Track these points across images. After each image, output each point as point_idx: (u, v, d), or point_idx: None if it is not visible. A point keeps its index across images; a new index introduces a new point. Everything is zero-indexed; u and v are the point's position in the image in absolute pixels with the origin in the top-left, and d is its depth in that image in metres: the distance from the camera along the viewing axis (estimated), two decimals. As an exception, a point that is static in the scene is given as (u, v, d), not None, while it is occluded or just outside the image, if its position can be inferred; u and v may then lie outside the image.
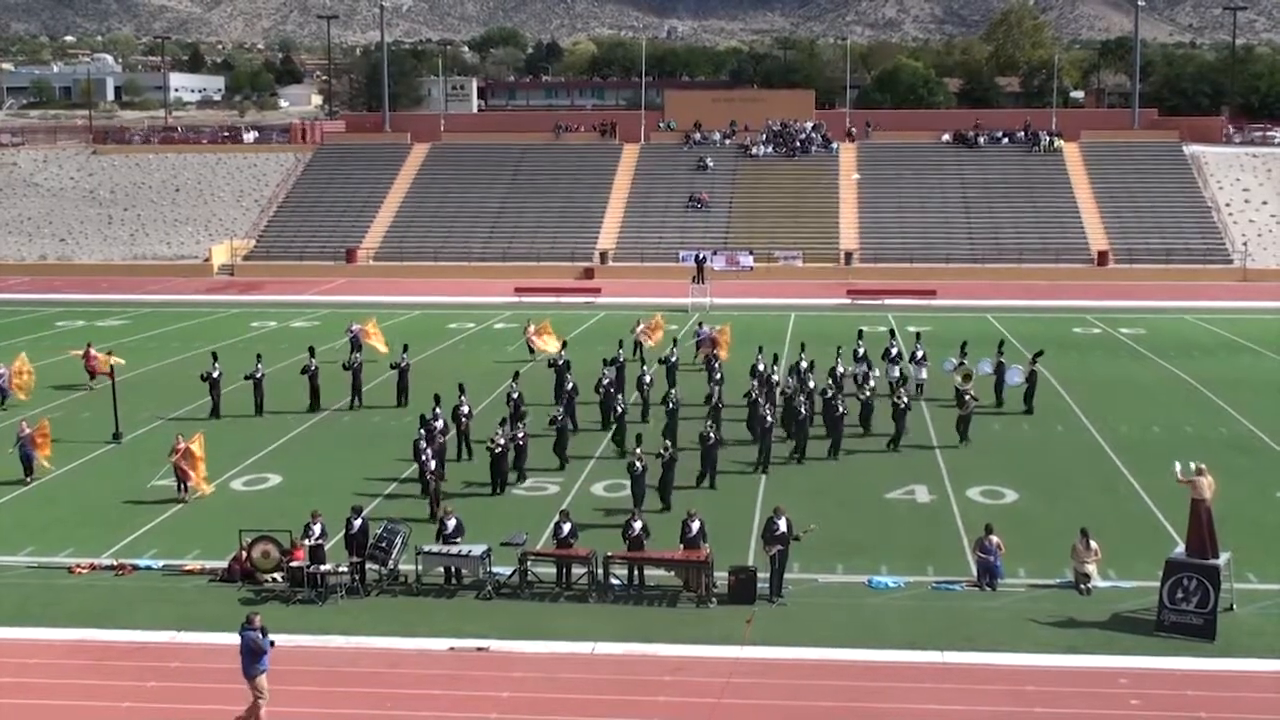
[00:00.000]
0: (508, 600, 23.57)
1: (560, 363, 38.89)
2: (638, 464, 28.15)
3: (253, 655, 18.69)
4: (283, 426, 37.20)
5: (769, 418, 32.65)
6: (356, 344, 44.53)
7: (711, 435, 30.45)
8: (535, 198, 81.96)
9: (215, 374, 38.68)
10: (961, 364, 38.71)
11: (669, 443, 29.36)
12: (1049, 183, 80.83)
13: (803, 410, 33.93)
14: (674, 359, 40.71)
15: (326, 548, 24.42)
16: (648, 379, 38.00)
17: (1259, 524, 27.51)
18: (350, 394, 39.55)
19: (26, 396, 40.52)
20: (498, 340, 44.31)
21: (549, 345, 44.54)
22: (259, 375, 39.25)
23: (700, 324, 47.40)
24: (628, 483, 28.82)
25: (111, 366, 38.23)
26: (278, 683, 19.16)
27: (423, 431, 30.00)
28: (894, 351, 41.54)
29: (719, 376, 37.38)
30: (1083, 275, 71.76)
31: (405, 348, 42.05)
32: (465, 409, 33.62)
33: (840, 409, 33.35)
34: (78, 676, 20.56)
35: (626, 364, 40.17)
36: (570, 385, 36.15)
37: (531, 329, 46.70)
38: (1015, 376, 38.66)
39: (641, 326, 46.70)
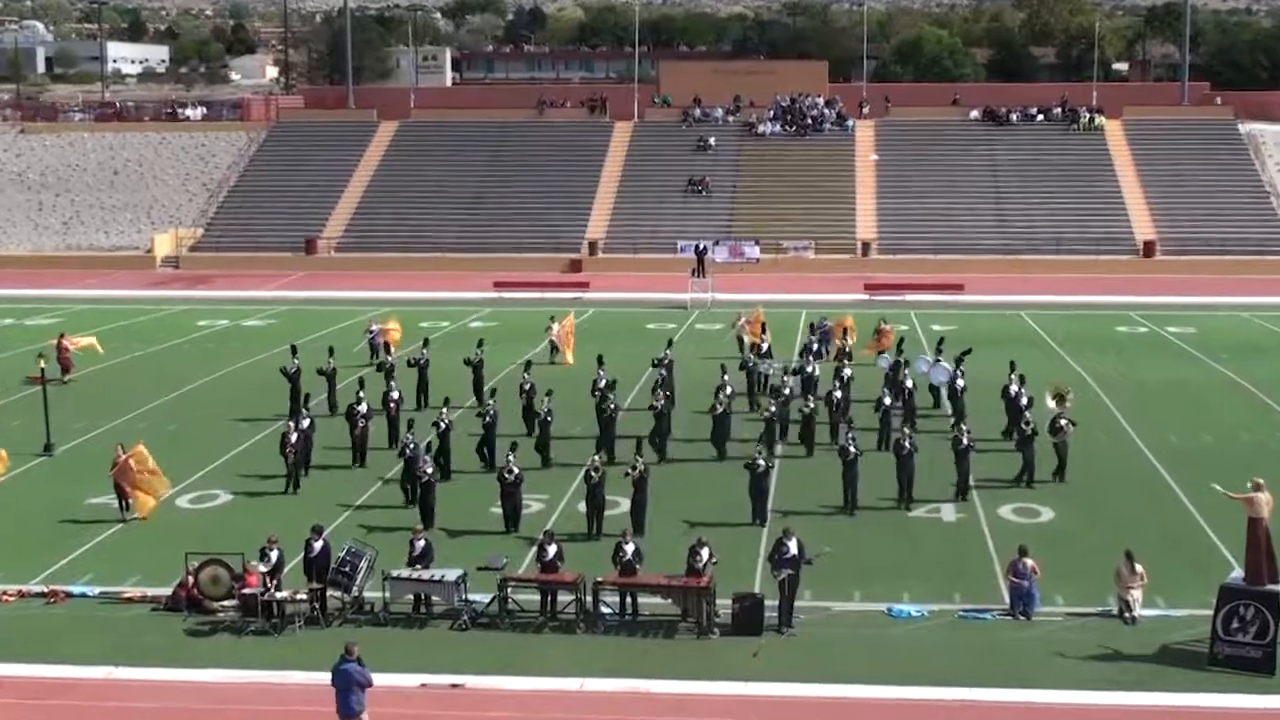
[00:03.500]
0: (485, 631, 23.52)
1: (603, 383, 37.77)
2: (593, 474, 28.38)
3: (355, 691, 18.78)
4: (235, 437, 37.11)
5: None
6: (382, 347, 44.79)
7: (760, 461, 29.54)
8: (516, 182, 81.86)
9: (293, 369, 39.21)
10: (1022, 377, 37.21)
11: (640, 457, 29.19)
12: (1089, 165, 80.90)
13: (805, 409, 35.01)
14: (667, 359, 40.60)
15: (284, 572, 24.36)
16: (782, 373, 39.03)
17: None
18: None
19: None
20: (472, 340, 44.27)
21: (569, 357, 45.80)
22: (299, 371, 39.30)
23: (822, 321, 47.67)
24: (624, 500, 28.90)
25: (43, 370, 38.16)
26: (228, 724, 19.14)
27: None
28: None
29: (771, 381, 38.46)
30: (1127, 268, 71.84)
31: (425, 342, 42.63)
32: (396, 394, 34.95)
33: (907, 446, 30.75)
34: (2, 717, 20.48)
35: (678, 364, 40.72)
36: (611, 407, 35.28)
37: (555, 328, 47.39)
38: (940, 375, 38.74)
39: (742, 320, 46.95)
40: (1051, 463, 32.35)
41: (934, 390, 38.68)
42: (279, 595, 23.66)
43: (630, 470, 28.75)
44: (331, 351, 41.09)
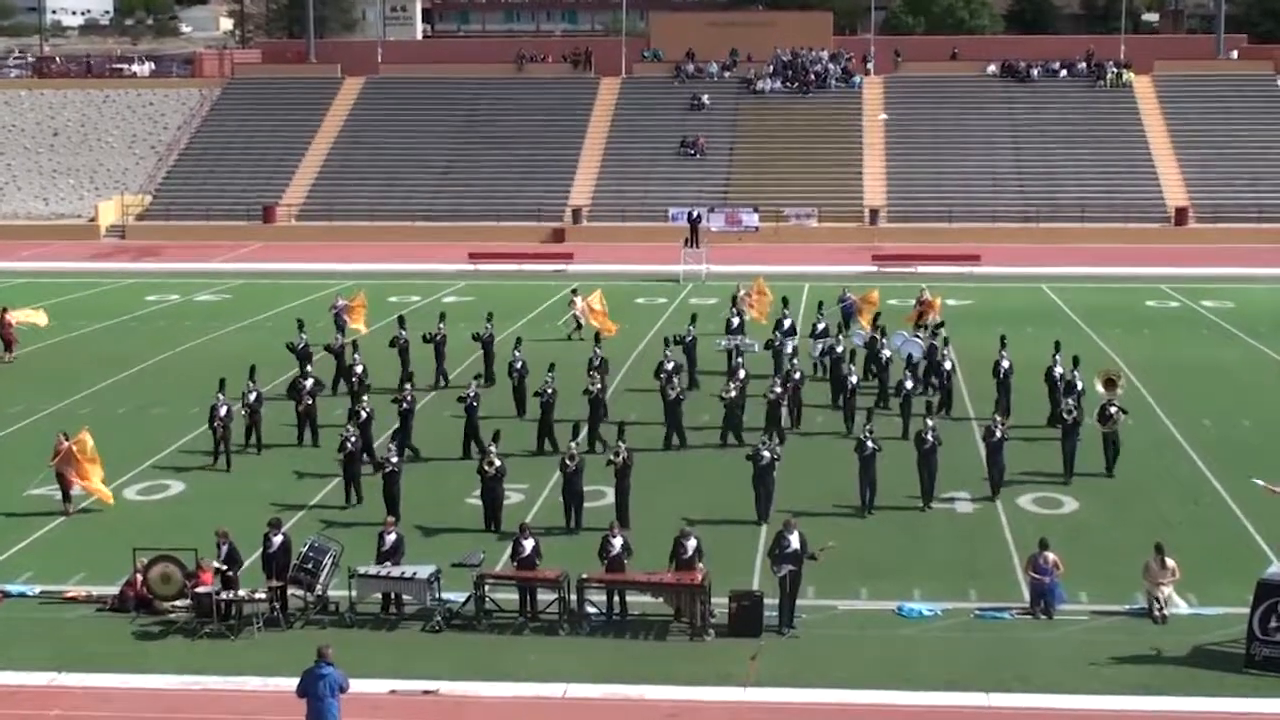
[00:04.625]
0: (461, 633, 23.54)
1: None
2: (568, 462, 28.34)
3: (334, 698, 18.78)
4: (188, 422, 37.03)
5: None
6: (341, 324, 44.85)
7: (765, 452, 29.06)
8: (493, 144, 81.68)
9: (301, 344, 39.69)
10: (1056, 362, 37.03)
11: (622, 444, 29.14)
12: (1116, 124, 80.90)
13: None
14: (690, 337, 40.71)
15: (238, 571, 24.32)
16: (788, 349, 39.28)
17: (1370, 537, 27.65)
18: (336, 381, 39.56)
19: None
20: (451, 314, 44.20)
21: (604, 324, 45.74)
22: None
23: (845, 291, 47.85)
24: (609, 490, 28.98)
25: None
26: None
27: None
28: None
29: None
30: (1157, 236, 71.85)
31: (490, 315, 42.82)
32: (309, 383, 35.20)
33: (930, 439, 29.94)
34: (-64, 728, 20.50)
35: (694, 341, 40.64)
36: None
37: (579, 303, 47.67)
38: (913, 348, 38.83)
39: (743, 293, 47.13)
40: (1091, 456, 31.95)
41: (911, 368, 38.39)
42: (232, 595, 23.60)
43: (613, 458, 28.75)
44: (301, 325, 41.38)
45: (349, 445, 30.14)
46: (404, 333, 40.92)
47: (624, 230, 73.59)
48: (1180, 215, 73.53)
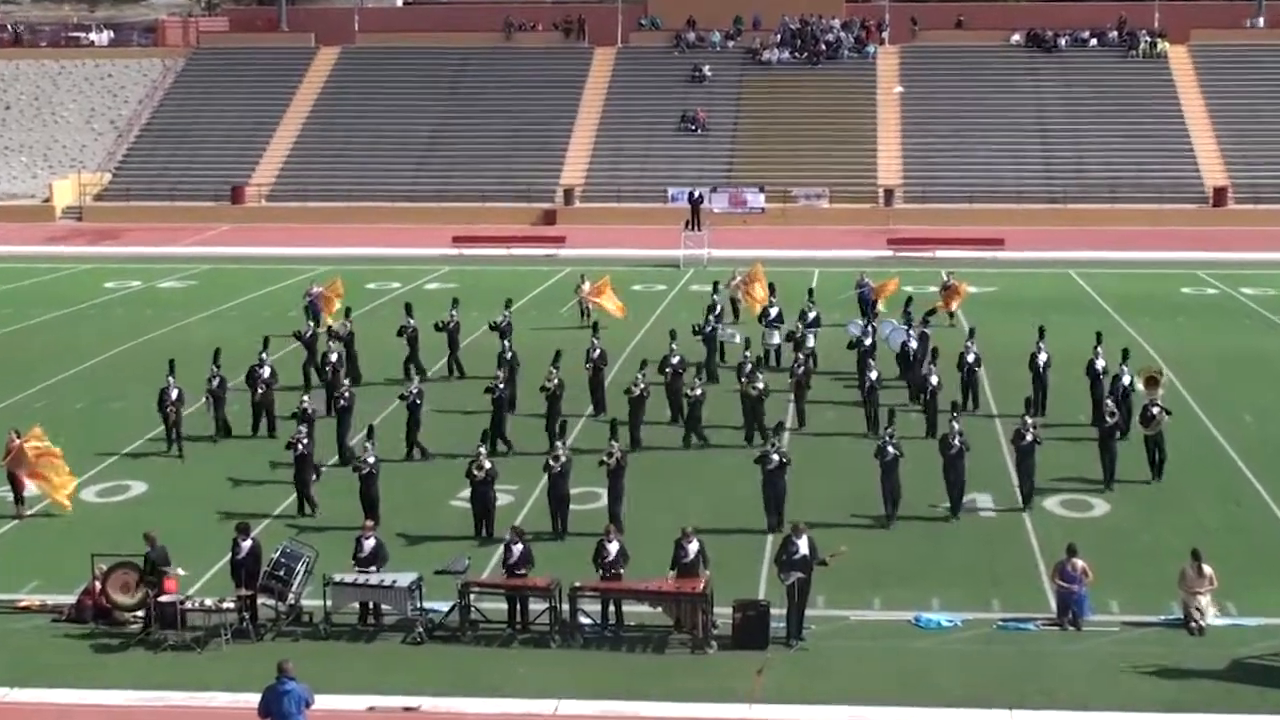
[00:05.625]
0: (444, 645, 23.55)
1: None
2: (552, 463, 28.37)
3: (299, 713, 18.78)
4: (150, 419, 36.99)
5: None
6: (316, 312, 44.93)
7: (774, 455, 28.76)
8: (479, 118, 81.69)
9: (308, 333, 40.40)
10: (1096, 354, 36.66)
11: (614, 443, 29.07)
12: (1150, 98, 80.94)
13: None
14: (711, 328, 40.87)
15: (167, 578, 24.21)
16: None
17: None
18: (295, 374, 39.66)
19: None
20: (431, 304, 44.18)
21: (609, 305, 46.40)
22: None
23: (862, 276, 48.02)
24: (602, 491, 29.05)
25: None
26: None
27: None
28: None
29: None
30: (1194, 218, 71.86)
31: (455, 301, 42.82)
32: (266, 371, 35.46)
33: (956, 444, 29.41)
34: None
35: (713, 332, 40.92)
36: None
37: (587, 287, 48.05)
38: (898, 336, 38.81)
39: (737, 279, 47.10)
40: (1133, 460, 31.77)
41: (905, 359, 38.35)
42: (205, 603, 23.61)
43: (605, 458, 28.75)
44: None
45: (299, 447, 29.83)
46: (412, 321, 40.86)
47: (620, 212, 73.63)
48: (1219, 195, 73.54)
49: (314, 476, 30.01)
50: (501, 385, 34.26)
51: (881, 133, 79.37)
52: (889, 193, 74.55)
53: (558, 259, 62.79)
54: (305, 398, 33.28)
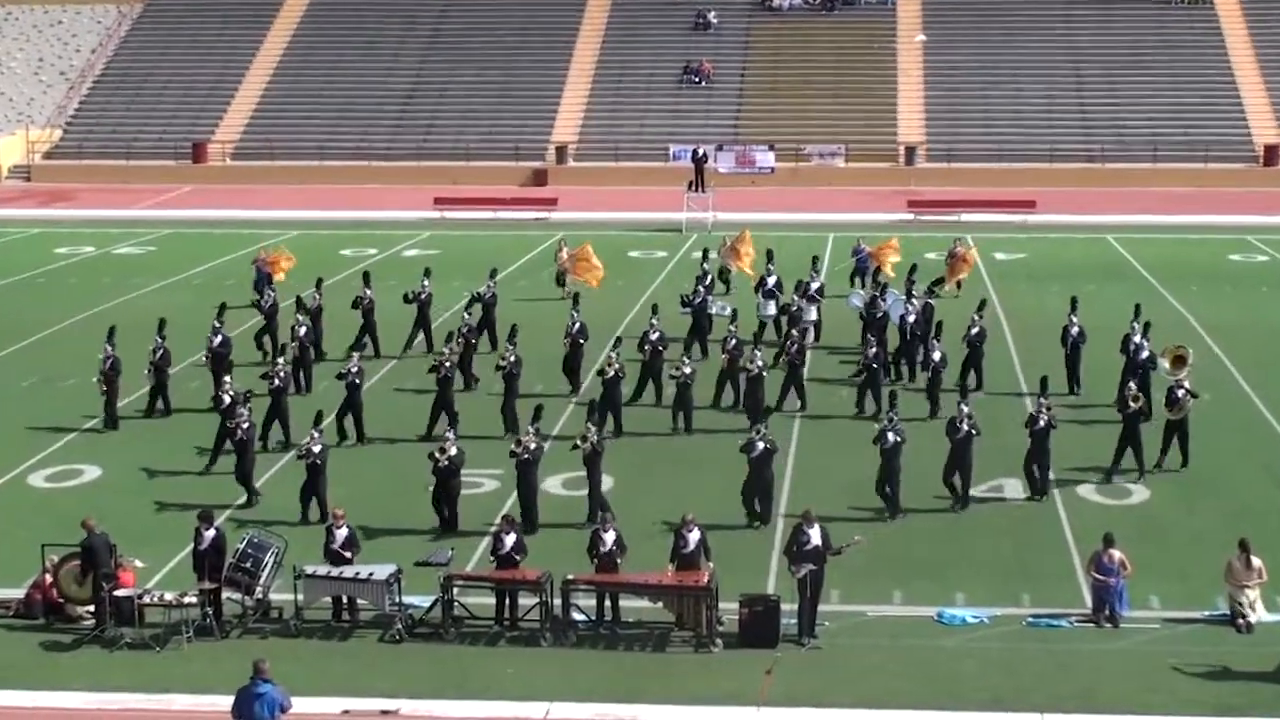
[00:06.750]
0: (426, 643, 23.54)
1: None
2: (517, 449, 28.15)
3: (272, 718, 18.78)
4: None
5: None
6: (265, 281, 44.91)
7: (760, 443, 28.51)
8: (462, 69, 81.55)
9: (268, 302, 40.84)
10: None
11: (591, 426, 28.99)
12: (1195, 48, 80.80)
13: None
14: (699, 300, 40.77)
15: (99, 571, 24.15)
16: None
17: None
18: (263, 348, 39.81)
19: None
20: (409, 273, 44.11)
21: (586, 275, 45.84)
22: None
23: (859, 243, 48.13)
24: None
25: None
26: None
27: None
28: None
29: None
30: (1243, 179, 72.01)
31: (427, 271, 42.57)
32: (216, 340, 35.79)
33: (964, 428, 29.20)
34: None
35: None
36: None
37: (565, 254, 47.75)
38: (898, 308, 38.71)
39: (726, 244, 47.05)
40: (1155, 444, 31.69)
41: (903, 331, 38.28)
42: (164, 597, 23.63)
43: (579, 442, 28.70)
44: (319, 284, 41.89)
45: (240, 432, 29.56)
46: (368, 292, 40.85)
47: (617, 172, 73.66)
48: (1270, 154, 73.50)
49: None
50: (503, 362, 33.97)
51: (902, 85, 79.26)
52: (910, 151, 74.51)
53: (549, 222, 62.72)
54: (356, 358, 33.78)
